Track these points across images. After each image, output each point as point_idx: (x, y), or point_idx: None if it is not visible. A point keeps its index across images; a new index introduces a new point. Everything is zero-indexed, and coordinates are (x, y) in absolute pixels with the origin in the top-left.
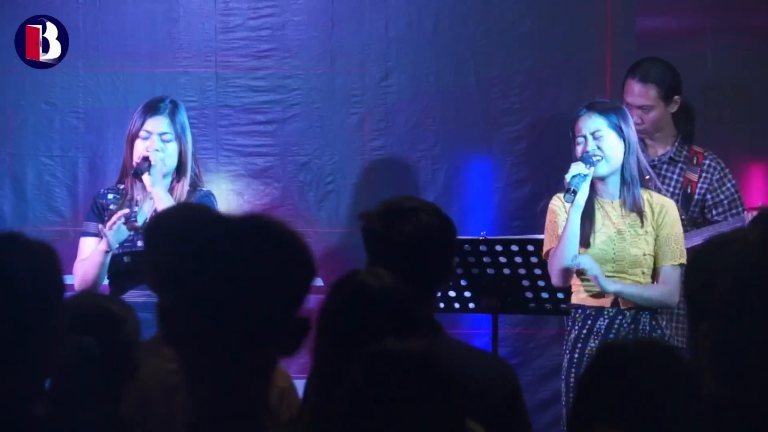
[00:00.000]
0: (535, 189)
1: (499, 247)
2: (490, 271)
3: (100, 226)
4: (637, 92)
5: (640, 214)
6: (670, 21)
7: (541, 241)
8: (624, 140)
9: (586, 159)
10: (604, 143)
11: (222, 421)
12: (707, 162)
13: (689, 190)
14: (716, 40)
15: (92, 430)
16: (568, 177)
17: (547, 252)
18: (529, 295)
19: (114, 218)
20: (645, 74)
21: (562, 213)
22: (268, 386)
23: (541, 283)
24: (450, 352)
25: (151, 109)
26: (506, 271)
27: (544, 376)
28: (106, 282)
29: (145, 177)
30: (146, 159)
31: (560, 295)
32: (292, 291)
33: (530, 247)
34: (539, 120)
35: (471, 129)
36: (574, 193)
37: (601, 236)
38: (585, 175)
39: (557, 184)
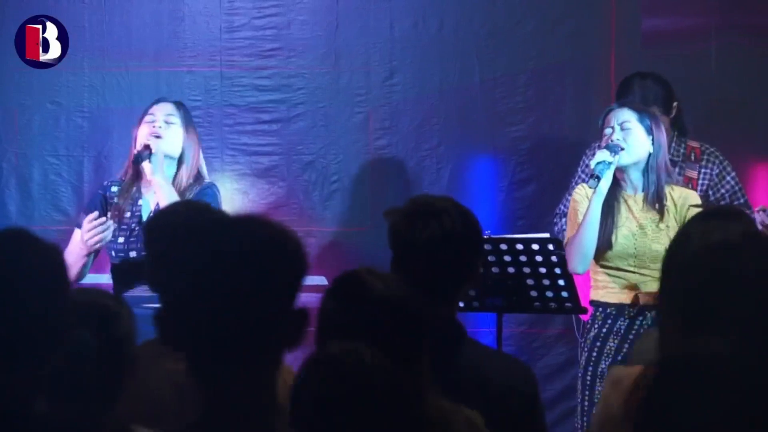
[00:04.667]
0: (540, 188)
1: (503, 246)
2: (494, 269)
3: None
4: None
5: (661, 209)
6: (675, 21)
7: (546, 239)
8: (652, 139)
9: (611, 147)
10: (631, 135)
11: (227, 420)
12: (705, 157)
13: (690, 188)
14: (721, 40)
15: (91, 427)
16: (592, 163)
17: (568, 240)
18: (533, 294)
19: (95, 224)
20: (643, 98)
21: (584, 201)
22: (275, 383)
23: (545, 282)
24: (471, 355)
25: (157, 99)
26: (511, 269)
27: (549, 375)
28: (110, 279)
29: (146, 164)
30: (147, 147)
31: (565, 294)
32: (286, 284)
33: (535, 246)
34: (543, 119)
35: (475, 128)
36: (598, 179)
37: (623, 231)
38: (609, 163)
39: (561, 183)
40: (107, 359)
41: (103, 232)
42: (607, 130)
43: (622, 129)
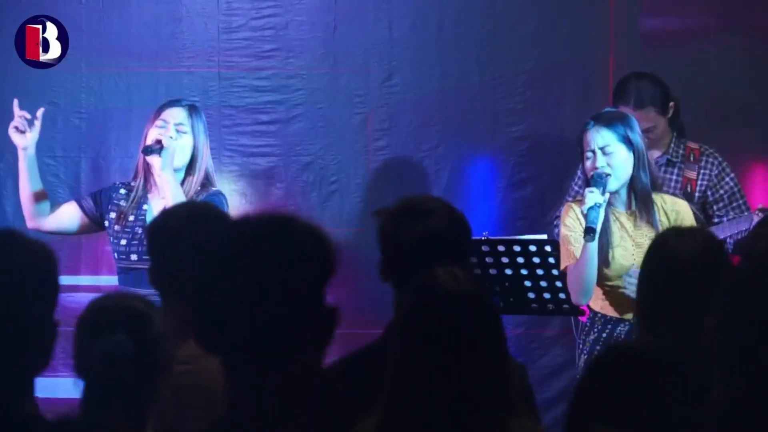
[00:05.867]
0: (538, 189)
1: (501, 248)
2: (492, 271)
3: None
4: (637, 118)
5: (655, 224)
6: (674, 21)
7: (544, 241)
8: (633, 151)
9: (598, 181)
10: (614, 159)
11: (252, 417)
12: (704, 158)
13: (689, 189)
14: (720, 40)
15: (127, 428)
16: (584, 209)
17: (566, 268)
18: (531, 295)
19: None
20: (639, 99)
21: (576, 226)
22: (304, 381)
23: (543, 284)
24: None
25: (171, 102)
26: (508, 271)
27: (547, 376)
28: (108, 281)
29: (155, 159)
30: (158, 141)
31: (562, 296)
32: (314, 281)
33: (533, 248)
34: (542, 120)
35: (474, 129)
36: (593, 231)
37: (620, 251)
38: (600, 204)
39: (561, 184)
40: (142, 361)
41: (22, 123)
42: (588, 155)
43: (604, 154)
